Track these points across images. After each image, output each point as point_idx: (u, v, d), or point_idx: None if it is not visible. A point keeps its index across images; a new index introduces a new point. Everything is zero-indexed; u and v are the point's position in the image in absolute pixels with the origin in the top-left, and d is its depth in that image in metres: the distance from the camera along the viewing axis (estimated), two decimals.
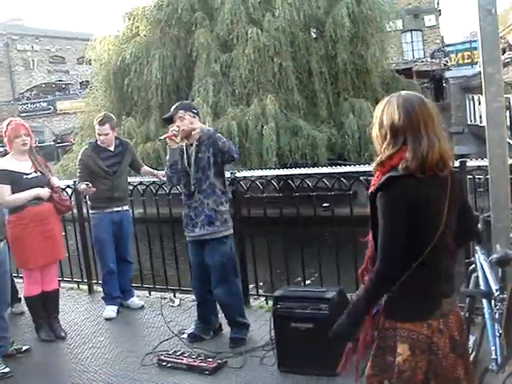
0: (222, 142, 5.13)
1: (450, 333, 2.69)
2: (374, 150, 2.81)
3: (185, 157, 5.28)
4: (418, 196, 2.57)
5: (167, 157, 5.37)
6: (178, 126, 5.19)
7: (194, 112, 5.27)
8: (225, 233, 5.29)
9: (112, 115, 6.63)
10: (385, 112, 2.67)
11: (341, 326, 2.73)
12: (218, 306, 5.59)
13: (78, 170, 6.38)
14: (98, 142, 6.37)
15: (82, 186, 6.02)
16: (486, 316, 3.81)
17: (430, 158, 2.55)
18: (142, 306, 6.59)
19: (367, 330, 2.80)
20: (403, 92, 2.75)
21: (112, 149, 6.40)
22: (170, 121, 5.34)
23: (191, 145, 5.25)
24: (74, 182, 6.33)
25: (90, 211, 6.51)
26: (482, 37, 4.11)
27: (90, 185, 5.99)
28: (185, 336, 5.56)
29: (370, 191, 2.71)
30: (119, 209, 6.40)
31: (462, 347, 2.76)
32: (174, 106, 5.37)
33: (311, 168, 6.94)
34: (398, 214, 2.57)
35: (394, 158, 2.61)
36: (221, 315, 5.63)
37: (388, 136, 2.64)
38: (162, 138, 5.34)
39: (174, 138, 5.19)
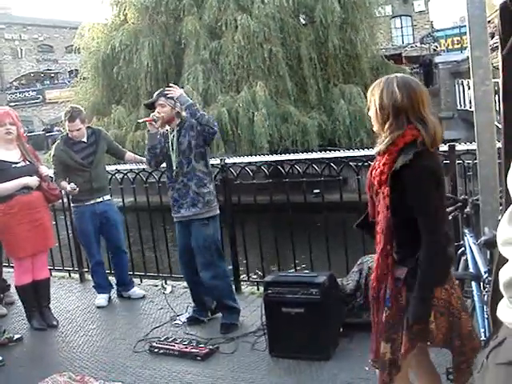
0: (201, 114, 5.18)
1: (458, 294, 2.88)
2: (373, 130, 2.90)
3: (169, 142, 5.32)
4: (439, 167, 2.79)
5: (146, 141, 5.43)
6: (158, 112, 5.24)
7: (175, 100, 5.28)
8: (207, 214, 5.30)
9: (79, 107, 6.47)
10: (385, 92, 2.74)
11: (414, 313, 2.74)
12: None
13: (54, 166, 6.28)
14: (70, 135, 6.26)
15: (68, 188, 5.98)
16: (475, 298, 3.84)
17: (438, 135, 2.73)
18: (144, 296, 6.54)
19: (393, 312, 2.86)
20: (399, 74, 2.85)
21: (85, 140, 6.26)
22: (151, 106, 5.40)
23: (173, 130, 5.32)
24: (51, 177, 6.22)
25: (72, 204, 6.48)
26: (469, 20, 4.11)
27: (75, 186, 5.95)
28: (178, 322, 5.59)
29: (386, 171, 2.75)
30: (100, 200, 6.30)
31: (466, 306, 2.99)
32: (156, 93, 5.45)
33: (301, 154, 6.95)
34: (432, 188, 2.71)
35: (407, 135, 2.71)
36: None
37: (391, 115, 2.73)
38: (140, 121, 5.40)
39: (153, 123, 5.25)
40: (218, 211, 5.46)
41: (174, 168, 5.30)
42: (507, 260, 0.97)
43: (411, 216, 2.73)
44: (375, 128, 2.85)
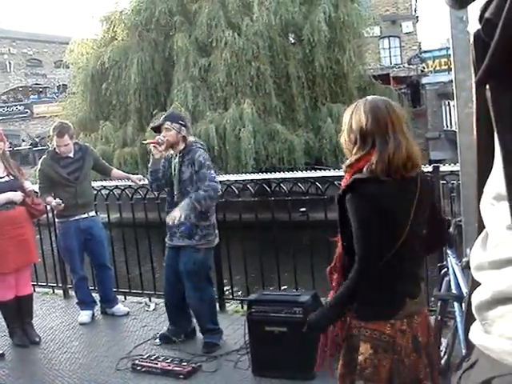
0: (202, 203, 5.10)
1: (413, 333, 2.72)
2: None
3: (171, 167, 5.30)
4: (383, 198, 2.62)
5: (149, 163, 5.40)
6: (164, 136, 5.20)
7: (180, 124, 5.26)
8: (202, 246, 5.27)
9: (68, 123, 6.46)
10: (353, 117, 2.73)
11: (317, 318, 2.81)
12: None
13: (39, 181, 6.25)
14: (57, 150, 6.24)
15: (53, 203, 5.97)
16: (458, 319, 3.87)
17: (397, 159, 2.61)
18: (128, 313, 6.50)
19: (336, 329, 2.85)
20: (369, 97, 2.82)
21: (72, 155, 6.25)
22: (157, 130, 5.36)
23: (176, 155, 5.28)
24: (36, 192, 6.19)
25: (56, 220, 6.46)
26: (453, 43, 4.17)
27: (60, 202, 5.93)
28: (159, 340, 5.57)
29: (338, 193, 2.75)
30: (85, 215, 6.27)
31: (426, 349, 2.78)
32: (163, 116, 5.44)
33: (287, 172, 6.99)
34: (366, 214, 2.63)
35: (362, 160, 2.67)
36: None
37: (358, 140, 2.69)
38: (145, 142, 5.35)
39: (157, 146, 5.20)
40: (214, 244, 5.43)
41: (174, 195, 5.28)
42: (479, 283, 0.99)
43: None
44: (346, 153, 2.81)
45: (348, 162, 2.73)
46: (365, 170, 2.63)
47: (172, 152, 5.32)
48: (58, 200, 5.93)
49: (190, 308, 5.49)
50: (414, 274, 2.81)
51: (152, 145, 5.26)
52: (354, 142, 2.71)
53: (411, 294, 2.75)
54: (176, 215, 5.06)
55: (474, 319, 1.02)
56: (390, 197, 2.64)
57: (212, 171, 5.30)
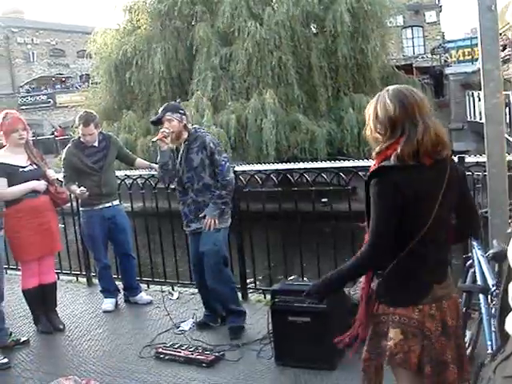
0: (221, 165, 5.25)
1: (442, 317, 2.74)
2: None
3: (177, 156, 5.35)
4: (408, 185, 2.64)
5: (158, 158, 5.45)
6: (167, 128, 5.25)
7: (180, 113, 5.31)
8: (221, 226, 5.35)
9: (94, 113, 6.48)
10: (378, 108, 2.74)
11: (315, 286, 2.89)
12: None
13: (64, 170, 6.29)
14: (82, 139, 6.26)
15: (78, 191, 6.01)
16: (483, 311, 3.83)
17: (426, 142, 2.62)
18: (151, 301, 6.54)
19: (361, 315, 2.89)
20: (391, 86, 2.82)
21: (96, 144, 6.27)
22: (157, 123, 5.42)
23: (181, 144, 5.33)
24: (60, 181, 6.24)
25: (81, 208, 6.51)
26: (481, 33, 4.12)
27: (85, 190, 5.97)
28: (183, 328, 5.60)
29: (365, 179, 2.78)
30: (109, 204, 6.30)
31: (454, 332, 2.81)
32: (161, 109, 5.44)
33: (310, 162, 6.95)
34: (386, 202, 2.66)
35: (390, 148, 2.68)
36: None
37: (388, 129, 2.70)
38: (154, 140, 5.36)
39: (164, 139, 5.25)
40: (229, 222, 5.50)
41: (184, 183, 5.35)
42: None
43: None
44: (373, 145, 2.82)
45: (378, 148, 2.75)
46: (392, 157, 2.64)
47: (171, 145, 5.36)
48: (82, 188, 5.96)
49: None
50: (440, 260, 2.82)
51: (159, 140, 5.27)
52: (384, 132, 2.72)
53: (438, 280, 2.78)
54: (210, 223, 5.24)
55: (509, 310, 1.01)
56: (417, 183, 2.66)
57: (224, 155, 5.40)
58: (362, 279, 2.95)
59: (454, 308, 2.82)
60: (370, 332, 2.83)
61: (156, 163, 5.99)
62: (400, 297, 2.74)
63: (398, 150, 2.62)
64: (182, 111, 5.35)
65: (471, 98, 27.23)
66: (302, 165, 6.65)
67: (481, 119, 24.78)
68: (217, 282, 5.40)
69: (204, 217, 5.29)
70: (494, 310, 3.58)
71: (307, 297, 2.96)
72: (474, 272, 4.14)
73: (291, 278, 5.53)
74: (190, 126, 5.40)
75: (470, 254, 4.41)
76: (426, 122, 2.65)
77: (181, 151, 5.33)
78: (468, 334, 4.30)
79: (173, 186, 5.61)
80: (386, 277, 2.74)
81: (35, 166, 5.70)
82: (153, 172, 6.75)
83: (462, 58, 40.34)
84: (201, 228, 5.33)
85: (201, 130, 5.48)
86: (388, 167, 2.64)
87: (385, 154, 2.70)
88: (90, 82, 30.24)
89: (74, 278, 7.69)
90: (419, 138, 2.61)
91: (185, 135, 5.33)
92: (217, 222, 5.27)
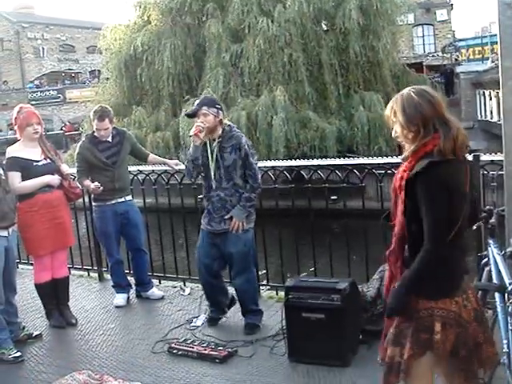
0: (253, 168, 5.24)
1: (472, 305, 2.87)
2: (400, 145, 2.97)
3: (208, 151, 5.26)
4: (453, 179, 2.75)
5: (189, 151, 5.38)
6: (202, 122, 5.16)
7: (217, 108, 5.22)
8: (247, 227, 5.32)
9: (108, 107, 6.45)
10: (407, 108, 2.80)
11: (394, 301, 2.83)
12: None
13: (77, 164, 6.27)
14: (96, 134, 6.24)
15: (92, 186, 5.98)
16: (499, 310, 3.80)
17: (460, 140, 2.74)
18: (163, 297, 6.54)
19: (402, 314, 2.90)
20: (412, 87, 2.90)
21: (110, 139, 6.26)
22: (193, 116, 5.35)
23: (213, 140, 5.25)
24: (74, 177, 6.25)
25: (93, 203, 6.50)
26: (500, 30, 4.09)
27: (99, 184, 5.96)
28: (196, 324, 5.61)
29: (405, 177, 2.80)
30: (122, 200, 6.30)
31: (481, 316, 2.97)
32: (197, 102, 5.38)
33: (324, 159, 6.94)
34: (441, 197, 2.71)
35: (429, 144, 2.76)
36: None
37: (420, 127, 2.77)
38: (190, 134, 5.26)
39: (199, 134, 5.15)
40: (254, 222, 5.47)
41: (212, 179, 5.27)
42: None
43: (423, 224, 2.77)
44: (404, 143, 2.88)
45: (414, 147, 2.80)
46: (435, 152, 2.72)
47: (205, 140, 5.26)
48: (96, 183, 5.95)
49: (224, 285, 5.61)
50: (466, 250, 2.98)
51: (194, 134, 5.17)
52: (417, 130, 2.78)
53: (467, 270, 2.91)
54: (238, 226, 5.22)
55: None
56: (457, 176, 2.77)
57: (256, 157, 5.36)
58: (387, 278, 2.98)
59: (474, 295, 2.97)
60: (412, 329, 2.83)
61: (165, 158, 5.96)
62: (438, 289, 2.81)
63: (441, 145, 2.70)
64: (218, 106, 5.26)
65: (482, 97, 27.13)
66: (315, 161, 6.64)
67: (492, 118, 24.74)
68: (244, 281, 5.40)
69: (230, 218, 5.25)
70: (510, 308, 3.56)
71: (390, 316, 2.93)
72: (490, 270, 4.12)
73: (303, 274, 5.53)
74: (226, 121, 5.35)
75: (484, 253, 4.39)
76: (454, 120, 2.78)
77: (213, 147, 5.24)
78: None
79: (189, 181, 5.55)
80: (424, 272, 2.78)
81: (49, 161, 5.70)
82: (166, 167, 6.74)
83: (472, 57, 40.23)
84: (224, 229, 5.28)
85: (235, 128, 5.37)
86: (436, 163, 2.69)
87: (424, 151, 2.76)
88: (100, 77, 30.28)
89: (86, 273, 7.70)
90: (455, 135, 2.72)
91: (219, 131, 5.23)
92: (244, 224, 5.25)
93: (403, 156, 2.89)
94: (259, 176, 5.33)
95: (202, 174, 5.40)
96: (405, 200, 2.79)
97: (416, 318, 2.83)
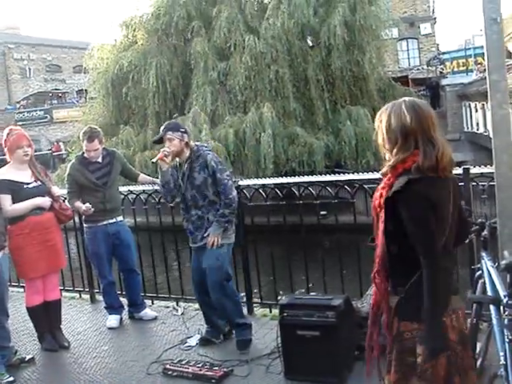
0: (223, 184, 5.24)
1: (460, 327, 2.75)
2: (382, 156, 2.85)
3: (179, 174, 5.37)
4: (434, 195, 2.64)
5: (159, 177, 5.44)
6: (168, 147, 5.25)
7: (181, 131, 5.31)
8: (223, 241, 5.32)
9: (97, 128, 6.45)
10: (392, 116, 2.71)
11: (432, 339, 2.63)
12: None
13: (68, 186, 6.25)
14: (85, 155, 6.23)
15: (83, 207, 5.96)
16: (494, 322, 3.81)
17: (445, 160, 2.64)
18: (156, 317, 6.50)
19: (375, 337, 2.88)
20: (407, 98, 2.81)
21: (100, 160, 6.25)
22: (159, 142, 5.43)
23: (183, 162, 5.34)
24: (64, 198, 6.25)
25: (84, 224, 6.44)
26: (487, 45, 4.13)
27: (90, 206, 5.95)
28: (190, 344, 5.57)
29: (384, 195, 2.71)
30: (113, 220, 6.28)
31: (467, 339, 2.84)
32: (162, 127, 5.43)
33: (313, 176, 6.95)
34: (423, 213, 2.61)
35: (408, 161, 2.66)
36: None
37: (399, 140, 2.69)
38: (154, 160, 5.34)
39: (164, 158, 5.24)
40: (233, 239, 5.48)
41: (187, 201, 5.35)
42: None
43: (405, 244, 2.68)
44: (384, 154, 2.80)
45: (391, 162, 2.71)
46: (412, 169, 2.63)
47: (177, 160, 5.37)
48: (87, 204, 5.93)
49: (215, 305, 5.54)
50: (453, 271, 2.88)
51: (159, 160, 5.26)
52: (395, 142, 2.70)
53: (454, 290, 2.79)
54: (213, 241, 5.23)
55: None
56: (439, 193, 2.66)
57: (226, 173, 5.36)
58: (373, 296, 2.92)
59: (464, 316, 2.83)
60: (395, 352, 2.77)
61: (154, 177, 5.96)
62: (421, 311, 2.67)
63: (420, 163, 2.61)
64: (182, 129, 5.35)
65: (468, 109, 27.32)
66: (306, 178, 6.64)
67: (478, 129, 24.91)
68: (220, 296, 5.38)
69: (208, 235, 5.28)
70: (506, 320, 3.56)
71: (433, 356, 2.66)
72: (484, 283, 4.12)
73: (297, 292, 5.52)
74: (192, 143, 5.39)
75: (478, 265, 4.40)
76: (441, 140, 2.67)
77: (184, 169, 5.33)
78: (478, 345, 4.28)
79: (178, 200, 5.58)
80: (406, 293, 2.70)
81: (39, 183, 5.67)
82: (156, 187, 6.73)
83: (456, 69, 40.56)
84: (204, 245, 5.31)
85: (203, 147, 5.45)
86: (415, 180, 2.61)
87: (402, 167, 2.67)
88: (87, 97, 30.25)
89: (77, 295, 7.65)
90: (438, 156, 2.62)
91: (187, 153, 5.32)
92: (219, 239, 5.26)
93: (382, 171, 2.79)
94: (231, 191, 5.29)
95: (177, 197, 5.46)
96: (385, 219, 2.71)
97: (399, 341, 2.75)
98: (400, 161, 2.68)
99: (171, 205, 6.28)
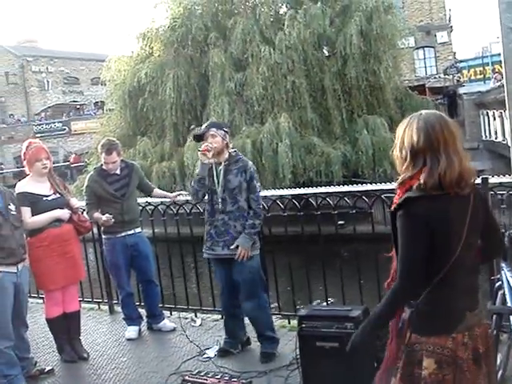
0: (257, 192, 5.32)
1: (475, 345, 2.71)
2: (396, 168, 2.86)
3: (214, 175, 5.33)
4: (435, 215, 2.62)
5: (197, 170, 5.44)
6: (211, 143, 5.24)
7: (225, 131, 5.35)
8: (253, 253, 5.33)
9: (116, 140, 6.51)
10: (405, 134, 2.73)
11: (358, 335, 2.89)
12: (247, 320, 5.64)
13: (86, 198, 6.30)
14: (104, 167, 6.29)
15: (103, 218, 5.99)
16: None
17: (449, 177, 2.60)
18: (174, 329, 6.49)
19: (393, 346, 2.85)
20: (424, 112, 2.79)
21: (118, 172, 6.29)
22: (200, 138, 5.41)
23: (220, 163, 5.32)
24: (83, 210, 6.31)
25: (103, 236, 6.48)
26: (504, 54, 4.12)
27: (111, 216, 5.98)
28: (209, 355, 5.57)
29: (391, 209, 2.76)
30: (131, 232, 6.31)
31: (486, 358, 2.77)
32: (205, 124, 5.47)
33: (330, 186, 6.96)
34: (414, 233, 2.64)
35: (414, 178, 2.68)
36: (249, 329, 5.68)
37: (408, 157, 2.71)
38: (200, 149, 5.30)
39: (206, 152, 5.21)
40: (259, 247, 5.49)
41: (217, 203, 5.32)
42: None
43: None
44: (398, 167, 2.82)
45: (400, 179, 2.75)
46: (414, 187, 2.65)
47: (212, 161, 5.31)
48: (107, 215, 5.96)
49: (246, 317, 5.57)
50: (470, 287, 2.79)
51: (202, 152, 5.24)
52: (405, 159, 2.73)
53: (470, 307, 2.75)
54: (243, 254, 5.22)
55: None
56: (443, 212, 2.63)
57: (258, 183, 5.41)
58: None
59: (484, 335, 2.79)
60: (403, 362, 2.77)
61: (171, 187, 5.96)
62: (433, 326, 2.70)
63: (421, 181, 2.62)
64: (226, 129, 5.40)
65: (486, 117, 27.13)
66: (323, 189, 6.64)
67: (496, 138, 24.74)
68: (255, 308, 5.39)
69: (236, 247, 5.25)
70: None
71: (354, 349, 2.93)
72: (504, 294, 4.10)
73: (315, 302, 5.51)
74: (231, 145, 5.42)
75: (498, 276, 4.37)
76: (450, 156, 2.63)
77: (219, 169, 5.31)
78: (498, 356, 4.24)
79: (198, 210, 5.57)
80: (418, 306, 2.71)
81: (58, 195, 5.72)
82: (167, 199, 6.76)
83: (473, 77, 40.41)
84: (228, 255, 5.28)
85: (240, 154, 5.50)
86: (413, 198, 2.63)
87: (409, 184, 2.70)
88: (105, 108, 30.44)
89: (96, 306, 7.69)
90: (441, 173, 2.60)
91: (226, 154, 5.33)
92: (249, 251, 5.25)
93: (397, 183, 2.81)
94: (261, 201, 5.37)
95: (207, 197, 5.43)
96: (392, 233, 2.74)
97: (407, 352, 2.75)
98: (407, 177, 2.71)
99: (190, 216, 6.32)
